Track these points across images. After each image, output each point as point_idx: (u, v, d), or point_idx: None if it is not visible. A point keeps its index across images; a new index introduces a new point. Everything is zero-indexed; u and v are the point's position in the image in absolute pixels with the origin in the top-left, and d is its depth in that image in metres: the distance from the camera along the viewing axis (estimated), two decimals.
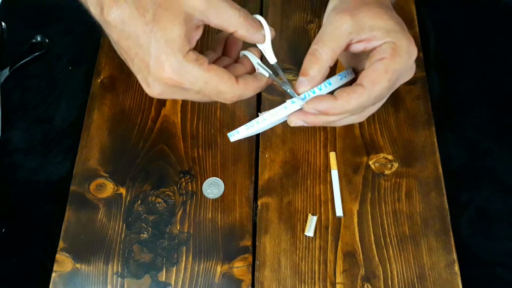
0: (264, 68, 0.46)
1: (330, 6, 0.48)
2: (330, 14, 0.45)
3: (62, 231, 0.62)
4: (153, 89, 0.42)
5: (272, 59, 0.46)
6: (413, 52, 0.42)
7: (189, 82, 0.41)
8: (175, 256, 0.61)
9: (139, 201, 0.64)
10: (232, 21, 0.42)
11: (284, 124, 0.68)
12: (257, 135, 0.67)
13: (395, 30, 0.42)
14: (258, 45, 0.45)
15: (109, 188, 0.65)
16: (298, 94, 0.44)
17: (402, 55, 0.42)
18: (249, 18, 0.43)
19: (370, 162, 0.65)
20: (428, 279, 0.58)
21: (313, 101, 0.43)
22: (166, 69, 0.40)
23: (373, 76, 0.42)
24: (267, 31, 0.44)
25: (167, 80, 0.41)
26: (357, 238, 0.61)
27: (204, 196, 0.64)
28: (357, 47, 0.44)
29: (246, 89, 0.44)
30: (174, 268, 0.60)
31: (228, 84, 0.42)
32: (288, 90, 0.45)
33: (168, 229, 0.62)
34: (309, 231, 0.61)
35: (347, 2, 0.45)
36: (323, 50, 0.43)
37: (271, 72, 0.46)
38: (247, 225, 0.62)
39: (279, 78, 0.46)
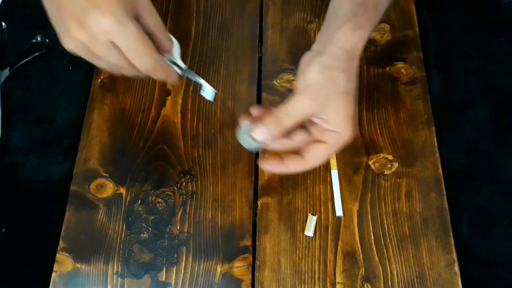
0: (176, 65, 0.54)
1: (308, 75, 0.52)
2: (305, 92, 0.51)
3: (62, 231, 0.62)
4: (77, 34, 0.46)
5: (182, 64, 0.54)
6: (351, 138, 0.52)
7: (123, 35, 0.45)
8: (175, 256, 0.61)
9: (139, 201, 0.64)
10: (157, 22, 0.49)
11: None
12: None
13: (343, 123, 0.51)
14: (169, 56, 0.53)
15: (109, 188, 0.65)
16: (252, 136, 0.52)
17: (340, 143, 0.52)
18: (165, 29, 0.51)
19: (370, 162, 0.65)
20: (428, 279, 0.58)
21: (267, 164, 0.54)
22: (94, 20, 0.45)
23: (316, 155, 0.53)
24: (176, 44, 0.53)
25: (104, 24, 0.45)
26: (357, 238, 0.61)
27: (205, 195, 0.64)
28: (313, 119, 0.52)
29: (161, 66, 0.49)
30: (174, 268, 0.60)
31: (152, 51, 0.47)
32: (201, 82, 0.56)
33: (168, 229, 0.62)
34: (309, 231, 0.61)
35: (323, 86, 0.51)
36: (288, 121, 0.51)
37: (182, 68, 0.54)
38: (247, 225, 0.62)
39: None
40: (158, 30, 0.49)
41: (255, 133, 0.52)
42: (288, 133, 0.53)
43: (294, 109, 0.51)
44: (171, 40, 0.52)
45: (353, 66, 0.53)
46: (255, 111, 0.55)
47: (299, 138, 0.54)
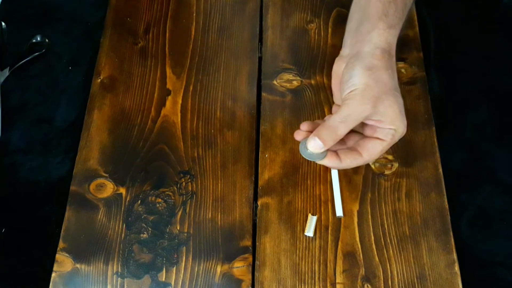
0: None
1: (356, 80, 0.53)
2: (356, 97, 0.52)
3: (62, 231, 0.62)
4: None
5: None
6: (404, 132, 0.54)
7: None
8: (175, 256, 0.61)
9: (139, 201, 0.64)
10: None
11: (284, 124, 0.68)
12: (257, 135, 0.67)
13: (398, 119, 0.52)
14: None
15: (109, 188, 0.65)
16: (307, 148, 0.53)
17: (396, 139, 0.54)
18: None
19: (370, 162, 0.65)
20: (428, 279, 0.58)
21: (325, 161, 0.54)
22: None
23: (372, 152, 0.53)
24: None
25: None
26: (357, 238, 0.61)
27: (205, 195, 0.64)
28: (367, 121, 0.53)
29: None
30: (174, 268, 0.60)
31: None
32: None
33: (168, 229, 0.62)
34: (309, 231, 0.61)
35: (372, 88, 0.52)
36: (344, 129, 0.52)
37: None
38: (247, 225, 0.62)
39: None
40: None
41: (309, 146, 0.52)
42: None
43: (348, 116, 0.52)
44: None
45: (392, 62, 0.54)
46: (305, 126, 0.55)
47: (352, 142, 0.56)
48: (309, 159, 0.54)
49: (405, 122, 0.53)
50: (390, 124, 0.52)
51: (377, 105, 0.51)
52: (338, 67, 0.56)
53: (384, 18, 0.54)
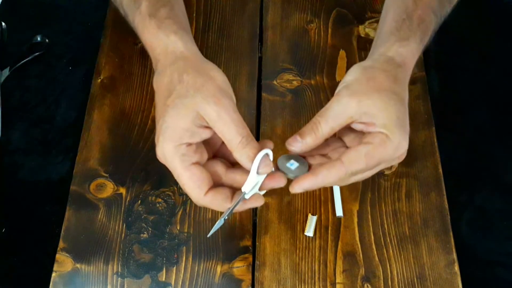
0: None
1: (347, 78, 0.49)
2: (342, 92, 0.47)
3: (62, 231, 0.62)
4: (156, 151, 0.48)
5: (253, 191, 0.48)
6: (402, 147, 0.45)
7: (170, 168, 0.48)
8: (175, 256, 0.61)
9: (139, 201, 0.64)
10: (230, 143, 0.46)
11: (285, 124, 0.68)
12: (257, 135, 0.67)
13: (393, 124, 0.45)
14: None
15: (109, 188, 0.65)
16: (290, 150, 0.48)
17: (388, 148, 0.45)
18: (248, 147, 0.45)
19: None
20: (428, 279, 0.58)
21: (298, 183, 0.46)
22: (157, 148, 0.47)
23: (353, 156, 0.45)
24: (256, 166, 0.45)
25: (158, 155, 0.48)
26: (357, 238, 0.61)
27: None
28: (356, 126, 0.47)
29: (212, 204, 0.47)
30: (174, 268, 0.60)
31: (194, 192, 0.47)
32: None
33: (168, 229, 0.62)
34: (309, 231, 0.61)
35: (361, 83, 0.47)
36: (324, 126, 0.46)
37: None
38: (247, 225, 0.62)
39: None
40: (231, 148, 0.46)
41: (289, 145, 0.47)
42: (324, 149, 0.48)
43: (332, 111, 0.46)
44: (249, 162, 0.45)
45: (399, 71, 0.48)
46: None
47: (337, 156, 0.47)
48: (286, 172, 0.47)
49: (403, 134, 0.45)
50: (381, 128, 0.44)
51: (364, 103, 0.45)
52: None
53: (396, 33, 0.51)
